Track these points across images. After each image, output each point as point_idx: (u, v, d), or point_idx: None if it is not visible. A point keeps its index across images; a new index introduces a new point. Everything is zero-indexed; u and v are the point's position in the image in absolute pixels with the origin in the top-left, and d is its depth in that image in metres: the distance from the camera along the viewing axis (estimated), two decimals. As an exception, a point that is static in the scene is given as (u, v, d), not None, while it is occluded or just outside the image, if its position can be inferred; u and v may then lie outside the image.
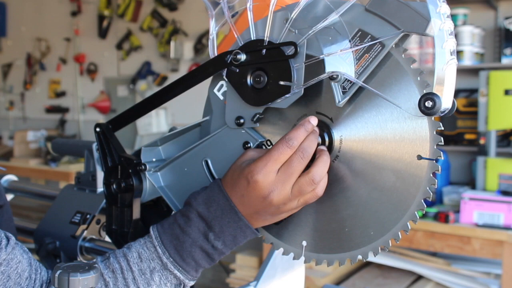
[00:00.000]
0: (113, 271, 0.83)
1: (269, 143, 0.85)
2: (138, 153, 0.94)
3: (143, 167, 0.92)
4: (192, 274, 0.83)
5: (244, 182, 0.78)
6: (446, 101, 0.70)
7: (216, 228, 0.80)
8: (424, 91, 0.72)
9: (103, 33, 5.72)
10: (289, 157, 0.77)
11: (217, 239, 0.80)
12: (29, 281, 0.82)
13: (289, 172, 0.77)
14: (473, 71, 3.42)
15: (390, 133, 0.75)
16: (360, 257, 0.79)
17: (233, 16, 0.86)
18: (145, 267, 0.82)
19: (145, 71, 5.43)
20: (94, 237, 1.11)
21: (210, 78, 0.88)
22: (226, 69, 0.84)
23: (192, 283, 0.84)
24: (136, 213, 0.95)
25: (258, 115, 0.83)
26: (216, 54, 0.86)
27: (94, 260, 0.87)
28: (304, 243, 0.83)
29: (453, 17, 3.43)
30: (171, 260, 0.81)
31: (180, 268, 0.82)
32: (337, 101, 0.76)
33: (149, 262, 0.82)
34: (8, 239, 0.81)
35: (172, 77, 5.13)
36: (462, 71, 3.44)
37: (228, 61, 0.83)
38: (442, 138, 0.72)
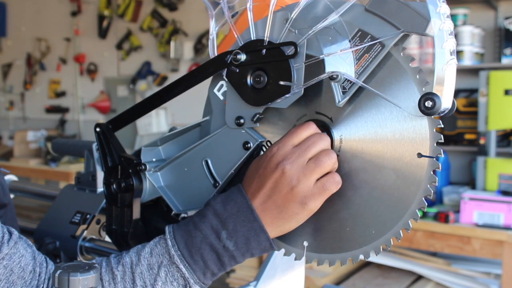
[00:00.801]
0: (123, 264, 0.82)
1: (269, 144, 0.85)
2: (138, 153, 0.94)
3: (143, 167, 0.92)
4: (199, 276, 0.79)
5: (272, 172, 0.78)
6: (446, 101, 0.70)
7: (229, 226, 0.78)
8: (424, 90, 0.72)
9: (103, 33, 5.73)
10: (318, 153, 0.77)
11: (229, 239, 0.78)
12: (33, 275, 0.82)
13: (317, 163, 0.77)
14: (473, 71, 3.42)
15: (390, 132, 0.75)
16: (361, 256, 0.79)
17: (233, 16, 0.86)
18: (154, 262, 0.81)
19: (145, 71, 5.44)
20: (94, 237, 1.11)
21: (210, 78, 0.88)
22: (226, 69, 0.84)
23: None
24: (136, 213, 0.95)
25: (258, 115, 0.83)
26: (216, 54, 0.86)
27: (103, 258, 0.86)
28: (306, 243, 0.83)
29: (453, 17, 3.43)
30: (178, 254, 0.79)
31: (187, 264, 0.79)
32: (337, 101, 0.76)
33: (158, 257, 0.81)
34: (10, 234, 0.82)
35: (172, 77, 5.13)
36: (462, 71, 3.45)
37: (228, 61, 0.83)
38: (442, 136, 0.72)
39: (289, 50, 0.78)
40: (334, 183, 0.77)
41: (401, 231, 0.76)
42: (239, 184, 0.82)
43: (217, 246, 0.78)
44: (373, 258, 0.94)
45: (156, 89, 5.13)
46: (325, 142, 0.78)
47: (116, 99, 5.75)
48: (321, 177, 0.77)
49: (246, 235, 0.78)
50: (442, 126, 0.73)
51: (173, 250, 0.79)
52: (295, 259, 0.84)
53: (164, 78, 5.30)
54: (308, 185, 0.76)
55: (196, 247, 0.79)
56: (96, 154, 1.15)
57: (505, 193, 2.97)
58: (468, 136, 3.44)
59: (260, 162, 0.80)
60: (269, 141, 0.85)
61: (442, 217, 2.91)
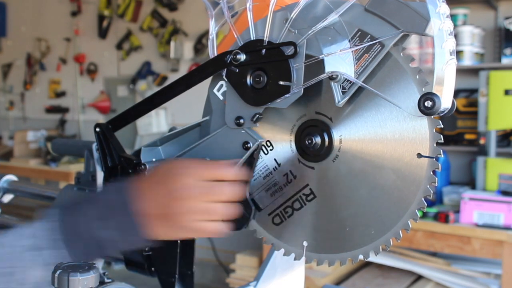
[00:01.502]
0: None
1: (268, 144, 0.85)
2: (138, 153, 0.94)
3: (143, 167, 0.92)
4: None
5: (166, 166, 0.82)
6: (446, 101, 0.70)
7: (113, 217, 0.80)
8: (424, 90, 0.72)
9: (103, 33, 5.72)
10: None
11: (111, 228, 0.80)
12: None
13: (213, 166, 0.81)
14: (473, 71, 3.42)
15: (390, 132, 0.75)
16: (361, 256, 0.79)
17: (233, 16, 0.86)
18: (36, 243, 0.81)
19: (145, 71, 5.43)
20: (94, 237, 1.11)
21: (210, 78, 0.88)
22: (226, 69, 0.84)
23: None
24: (136, 213, 0.94)
25: (258, 115, 0.83)
26: (216, 54, 0.86)
27: None
28: (305, 243, 0.83)
29: (453, 17, 3.43)
30: (61, 239, 0.80)
31: (70, 250, 0.80)
32: (336, 101, 0.76)
33: (41, 240, 0.81)
34: None
35: (172, 77, 5.13)
36: (462, 71, 3.44)
37: (228, 61, 0.83)
38: (441, 136, 0.72)
39: (289, 50, 0.78)
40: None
41: (400, 231, 0.76)
42: (122, 180, 0.85)
43: (99, 235, 0.80)
44: (373, 258, 0.94)
45: (156, 89, 5.12)
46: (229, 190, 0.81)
47: (116, 99, 5.74)
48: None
49: (127, 227, 0.80)
50: (442, 126, 0.73)
51: (56, 234, 0.80)
52: (295, 259, 0.84)
53: (164, 78, 5.29)
54: (191, 194, 0.79)
55: (77, 235, 0.80)
56: (96, 154, 1.15)
57: (505, 193, 2.97)
58: (468, 136, 3.44)
59: (165, 175, 0.81)
60: (268, 141, 0.85)
61: (442, 217, 2.91)
